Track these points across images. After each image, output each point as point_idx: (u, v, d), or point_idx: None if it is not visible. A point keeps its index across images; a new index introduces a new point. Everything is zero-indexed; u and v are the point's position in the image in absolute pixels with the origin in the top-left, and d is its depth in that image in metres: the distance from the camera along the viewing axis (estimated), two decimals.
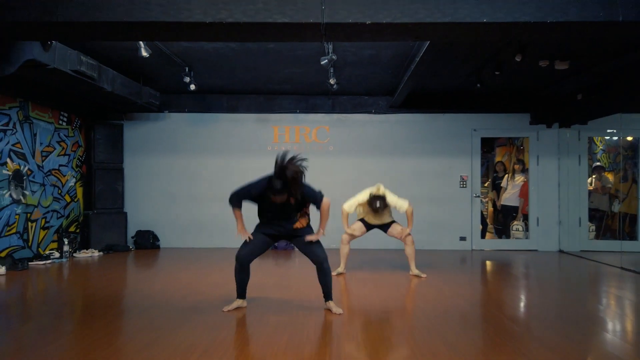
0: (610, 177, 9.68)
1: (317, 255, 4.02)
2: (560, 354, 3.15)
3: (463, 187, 8.51)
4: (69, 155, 7.77)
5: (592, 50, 5.70)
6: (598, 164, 9.54)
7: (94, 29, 3.69)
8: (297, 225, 4.04)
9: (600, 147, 9.97)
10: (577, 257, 7.80)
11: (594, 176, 9.14)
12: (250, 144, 8.58)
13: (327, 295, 4.12)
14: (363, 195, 5.81)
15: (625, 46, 5.42)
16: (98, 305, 4.43)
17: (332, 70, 6.40)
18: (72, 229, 7.83)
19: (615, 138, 9.44)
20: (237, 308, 4.19)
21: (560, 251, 8.40)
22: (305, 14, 3.53)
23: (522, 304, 4.79)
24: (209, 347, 3.21)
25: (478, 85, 6.53)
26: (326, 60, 5.43)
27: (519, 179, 9.00)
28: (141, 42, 4.94)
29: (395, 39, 3.96)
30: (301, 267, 6.58)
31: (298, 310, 4.17)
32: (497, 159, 10.58)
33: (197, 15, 3.53)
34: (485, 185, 10.29)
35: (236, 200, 4.04)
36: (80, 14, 3.54)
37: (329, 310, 4.11)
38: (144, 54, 5.03)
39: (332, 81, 6.50)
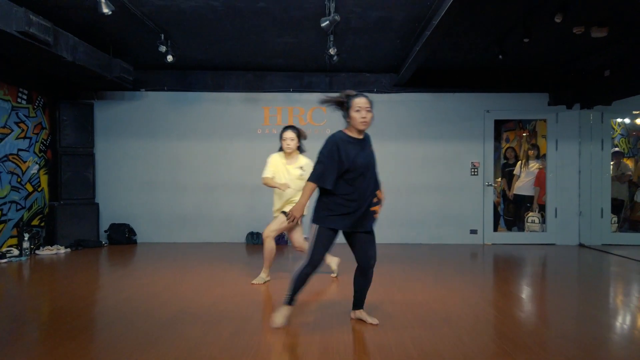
0: (630, 163, 8.93)
1: (370, 258, 3.27)
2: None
3: (474, 174, 7.68)
4: (31, 138, 6.79)
5: (635, 15, 4.87)
6: (616, 149, 8.79)
7: None
8: (377, 208, 3.25)
9: (619, 132, 9.23)
10: (600, 252, 7.04)
11: (612, 163, 8.36)
12: (238, 127, 7.66)
13: (360, 303, 3.43)
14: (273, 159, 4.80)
15: None
16: (59, 315, 3.63)
17: (332, 39, 5.51)
18: (35, 222, 6.88)
19: (638, 121, 8.69)
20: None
21: (581, 245, 7.63)
22: None
23: (546, 308, 3.97)
24: None
25: (500, 56, 5.68)
26: (327, 22, 4.53)
27: (534, 165, 8.20)
28: None
29: None
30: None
31: (301, 327, 3.32)
32: (507, 145, 9.78)
33: None
34: None
35: (330, 179, 3.09)
36: None
37: (360, 319, 3.43)
38: (105, 10, 4.08)
39: (332, 51, 5.59)
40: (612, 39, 5.54)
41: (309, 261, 3.15)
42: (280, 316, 3.27)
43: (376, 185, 3.28)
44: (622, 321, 3.66)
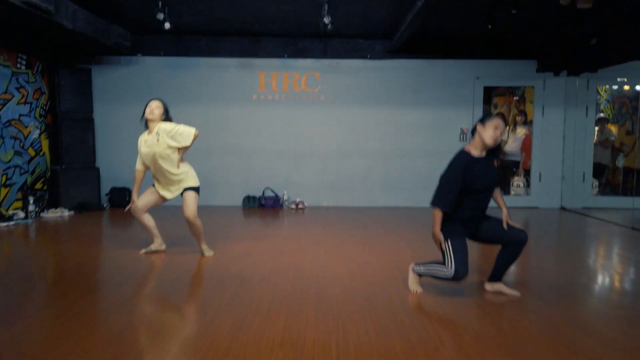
0: (613, 129, 9.23)
1: (519, 231, 3.32)
2: (565, 318, 2.74)
3: (463, 140, 7.95)
4: (31, 103, 6.94)
5: None
6: (602, 115, 9.05)
7: None
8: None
9: (605, 98, 9.47)
10: (580, 215, 7.42)
11: (596, 128, 8.65)
12: (233, 92, 7.82)
13: (500, 276, 3.49)
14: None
15: None
16: (69, 275, 3.91)
17: (326, 7, 5.63)
18: (38, 185, 7.12)
19: (626, 87, 8.93)
20: None
21: (562, 208, 8.01)
22: None
23: (524, 265, 4.34)
24: (192, 335, 2.69)
25: (489, 26, 5.84)
26: None
27: (521, 131, 8.48)
28: None
29: None
30: (291, 229, 6.05)
31: (294, 285, 3.64)
32: (496, 110, 10.02)
33: None
34: None
35: (451, 200, 3.24)
36: None
37: (498, 292, 3.47)
38: None
39: (326, 20, 5.72)
40: (598, 9, 5.71)
41: (454, 274, 3.20)
42: (414, 283, 3.50)
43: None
44: (599, 282, 4.02)
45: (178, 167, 4.32)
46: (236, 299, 3.30)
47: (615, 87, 9.28)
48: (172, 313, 3.15)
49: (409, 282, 3.54)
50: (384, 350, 2.51)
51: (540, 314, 3.12)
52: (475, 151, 3.30)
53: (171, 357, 2.43)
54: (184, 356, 2.45)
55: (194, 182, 4.45)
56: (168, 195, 4.43)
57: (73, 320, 2.89)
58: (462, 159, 3.27)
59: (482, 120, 3.30)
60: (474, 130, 3.33)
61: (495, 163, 3.39)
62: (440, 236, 3.25)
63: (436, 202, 3.27)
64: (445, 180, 3.28)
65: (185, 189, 4.39)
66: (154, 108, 4.35)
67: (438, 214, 3.26)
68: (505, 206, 3.43)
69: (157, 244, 4.62)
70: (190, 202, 4.37)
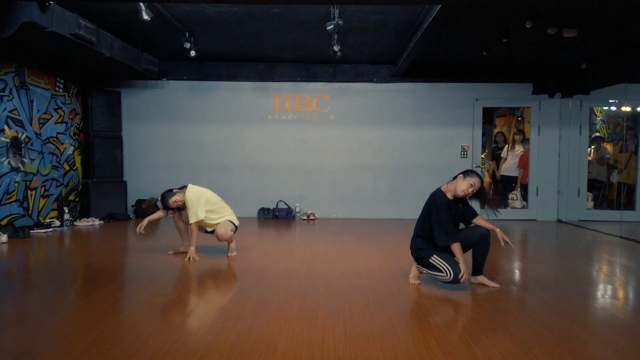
0: (609, 147, 9.70)
1: (480, 230, 3.81)
2: (562, 314, 3.20)
3: (464, 157, 8.50)
4: (67, 122, 7.63)
5: (601, 18, 5.60)
6: (597, 134, 9.54)
7: None
8: None
9: (600, 118, 9.97)
10: (575, 227, 7.88)
11: (592, 146, 9.15)
12: (250, 113, 8.49)
13: (480, 270, 3.96)
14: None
15: (636, 13, 5.33)
16: (101, 275, 4.34)
17: (336, 37, 6.27)
18: (71, 197, 7.76)
19: (614, 109, 9.43)
20: None
21: (559, 221, 8.48)
22: None
23: (524, 271, 4.83)
24: (222, 312, 3.22)
25: (484, 53, 6.44)
26: (332, 26, 5.29)
27: (519, 149, 9.00)
28: (142, 4, 4.78)
29: (407, 1, 3.84)
30: (303, 237, 6.59)
31: (307, 280, 4.18)
32: (497, 129, 10.56)
33: None
34: (483, 155, 10.28)
35: (455, 231, 3.74)
36: None
37: (481, 284, 3.96)
38: (145, 17, 4.87)
39: (335, 48, 6.36)
40: (584, 38, 6.29)
41: (454, 276, 3.63)
42: (414, 277, 4.03)
43: None
44: (583, 280, 4.51)
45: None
46: (257, 287, 3.85)
47: (606, 107, 9.79)
48: (203, 293, 3.69)
49: (409, 277, 4.06)
50: (382, 319, 3.02)
51: (524, 302, 3.63)
52: (449, 194, 3.80)
53: (208, 320, 2.97)
54: (218, 321, 2.98)
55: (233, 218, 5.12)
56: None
57: (107, 309, 3.28)
58: (443, 199, 3.75)
59: (466, 173, 3.77)
60: (456, 176, 3.84)
61: (460, 206, 3.88)
62: (466, 268, 3.65)
63: (448, 238, 3.65)
64: (440, 219, 3.69)
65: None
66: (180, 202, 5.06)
67: (458, 248, 3.66)
68: (494, 226, 3.83)
69: (186, 245, 5.20)
70: (227, 225, 4.98)
